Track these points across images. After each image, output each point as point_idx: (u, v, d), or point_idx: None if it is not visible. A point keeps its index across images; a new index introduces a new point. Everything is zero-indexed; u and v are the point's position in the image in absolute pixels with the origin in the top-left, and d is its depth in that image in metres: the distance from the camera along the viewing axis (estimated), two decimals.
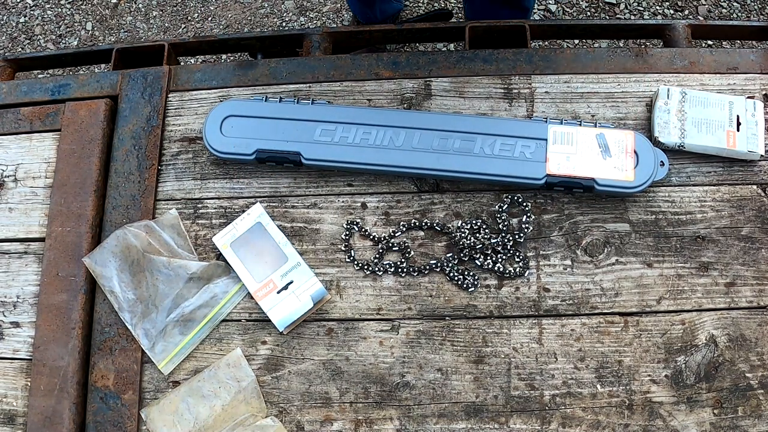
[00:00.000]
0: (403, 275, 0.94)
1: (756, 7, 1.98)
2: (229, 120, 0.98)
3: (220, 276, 0.94)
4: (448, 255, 0.94)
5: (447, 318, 0.92)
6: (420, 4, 2.07)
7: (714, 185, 0.95)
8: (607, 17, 1.99)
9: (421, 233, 0.96)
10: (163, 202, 0.99)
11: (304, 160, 0.96)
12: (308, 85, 1.04)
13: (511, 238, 0.93)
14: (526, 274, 0.93)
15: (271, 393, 0.90)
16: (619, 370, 0.88)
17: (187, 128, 1.03)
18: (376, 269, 0.94)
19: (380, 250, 0.95)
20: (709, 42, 1.89)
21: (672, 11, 2.00)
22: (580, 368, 0.89)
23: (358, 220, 0.96)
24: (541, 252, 0.94)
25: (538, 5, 2.01)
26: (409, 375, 0.90)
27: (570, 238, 0.94)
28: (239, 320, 0.93)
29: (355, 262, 0.94)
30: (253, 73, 1.06)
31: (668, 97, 0.96)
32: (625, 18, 1.99)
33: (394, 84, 1.03)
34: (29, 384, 0.92)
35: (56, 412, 0.89)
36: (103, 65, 1.76)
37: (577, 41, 1.91)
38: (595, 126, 0.95)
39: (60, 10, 2.15)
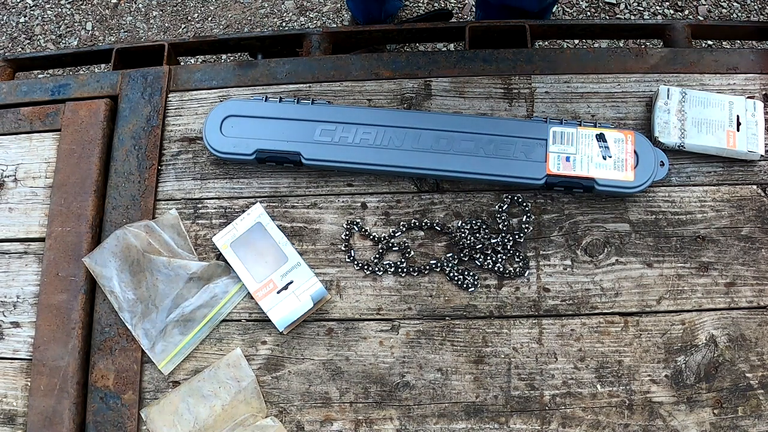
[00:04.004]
0: (403, 275, 0.94)
1: (756, 7, 1.98)
2: (229, 120, 0.98)
3: (220, 276, 0.94)
4: (448, 255, 0.94)
5: (447, 318, 0.92)
6: (420, 4, 2.07)
7: (714, 185, 0.95)
8: (607, 17, 1.99)
9: (421, 233, 0.96)
10: (163, 202, 0.99)
11: (304, 160, 0.96)
12: (308, 85, 1.04)
13: (511, 238, 0.93)
14: (526, 274, 0.93)
15: (271, 393, 0.90)
16: (619, 370, 0.88)
17: (187, 128, 1.03)
18: (376, 269, 0.94)
19: (380, 250, 0.95)
20: (709, 42, 1.89)
21: (672, 11, 2.00)
22: (580, 368, 0.89)
23: (358, 220, 0.96)
24: (541, 252, 0.94)
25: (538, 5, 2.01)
26: (409, 375, 0.90)
27: (570, 238, 0.94)
28: (239, 320, 0.93)
29: (355, 262, 0.94)
30: (253, 73, 1.06)
31: (668, 97, 0.96)
32: (625, 18, 1.99)
33: (394, 84, 1.03)
34: (29, 384, 0.92)
35: (56, 412, 0.89)
36: (103, 65, 1.76)
37: (577, 41, 1.91)
38: (595, 126, 0.95)
39: (60, 10, 2.15)
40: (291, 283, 0.93)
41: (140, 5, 2.13)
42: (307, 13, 2.08)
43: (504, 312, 0.91)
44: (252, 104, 0.99)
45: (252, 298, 0.93)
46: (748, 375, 0.87)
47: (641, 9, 2.00)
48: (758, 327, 0.89)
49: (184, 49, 1.17)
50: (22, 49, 2.11)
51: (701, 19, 1.97)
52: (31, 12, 2.15)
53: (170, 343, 0.92)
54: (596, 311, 0.91)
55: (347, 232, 0.96)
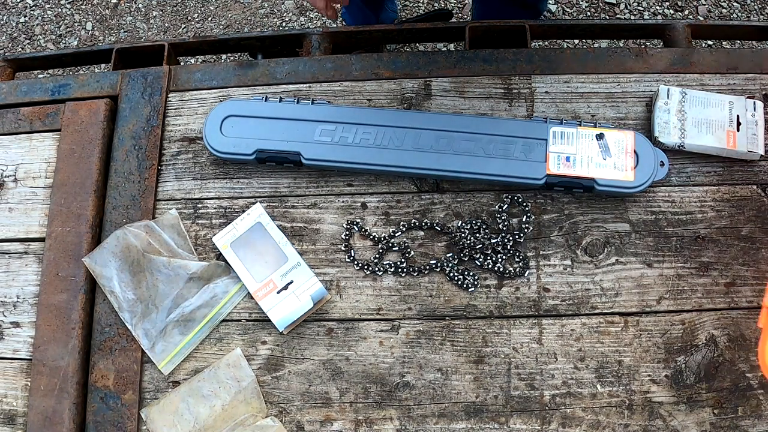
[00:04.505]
0: (403, 275, 0.94)
1: (756, 7, 1.98)
2: (229, 120, 0.98)
3: (220, 276, 0.94)
4: (448, 255, 0.94)
5: (447, 318, 0.92)
6: (420, 4, 2.07)
7: (714, 185, 0.95)
8: (607, 17, 1.99)
9: (421, 233, 0.96)
10: (163, 202, 0.99)
11: (304, 160, 0.96)
12: (308, 85, 1.04)
13: (511, 238, 0.93)
14: (526, 274, 0.93)
15: (271, 393, 0.90)
16: (619, 370, 0.88)
17: (187, 128, 1.03)
18: (376, 269, 0.94)
19: (380, 250, 0.95)
20: (709, 42, 1.90)
21: (672, 11, 2.00)
22: (580, 368, 0.89)
23: (358, 220, 0.96)
24: (541, 252, 0.94)
25: None
26: (409, 375, 0.90)
27: (570, 238, 0.94)
28: (239, 320, 0.93)
29: (355, 262, 0.94)
30: (253, 73, 1.06)
31: (668, 97, 0.96)
32: (625, 18, 1.99)
33: (394, 84, 1.03)
34: (29, 384, 0.92)
35: (56, 412, 0.89)
36: (103, 65, 1.76)
37: (577, 41, 1.91)
38: (595, 126, 0.95)
39: (60, 10, 2.15)
40: (291, 283, 0.93)
41: (140, 5, 2.13)
42: (307, 13, 2.08)
43: (504, 312, 0.91)
44: (252, 104, 0.99)
45: (252, 298, 0.93)
46: (748, 375, 0.87)
47: (641, 9, 2.00)
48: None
49: (184, 49, 1.17)
50: (22, 49, 2.11)
51: (701, 19, 1.97)
52: (31, 12, 2.15)
53: (170, 343, 0.92)
54: (596, 311, 0.91)
55: (347, 232, 0.96)
